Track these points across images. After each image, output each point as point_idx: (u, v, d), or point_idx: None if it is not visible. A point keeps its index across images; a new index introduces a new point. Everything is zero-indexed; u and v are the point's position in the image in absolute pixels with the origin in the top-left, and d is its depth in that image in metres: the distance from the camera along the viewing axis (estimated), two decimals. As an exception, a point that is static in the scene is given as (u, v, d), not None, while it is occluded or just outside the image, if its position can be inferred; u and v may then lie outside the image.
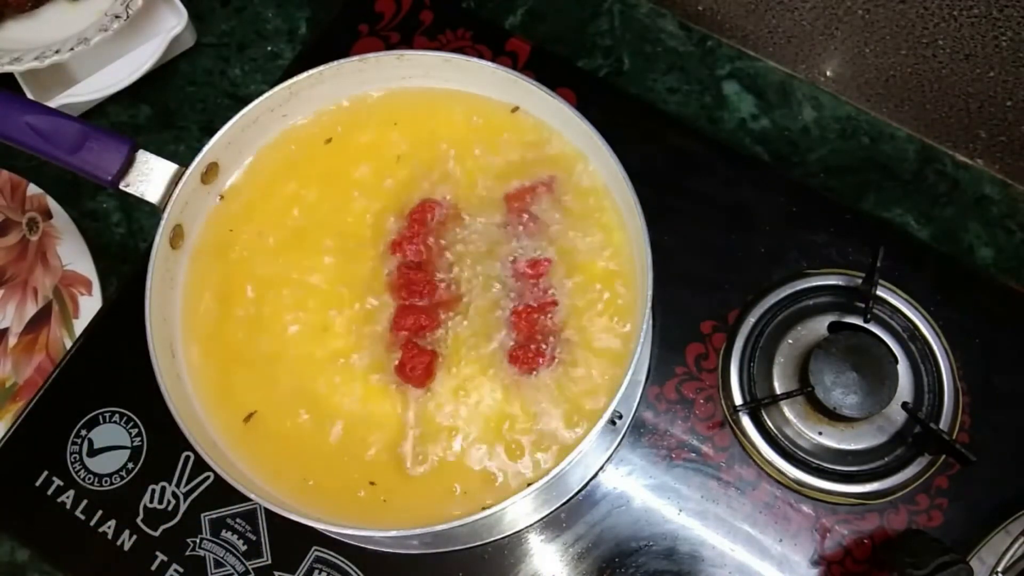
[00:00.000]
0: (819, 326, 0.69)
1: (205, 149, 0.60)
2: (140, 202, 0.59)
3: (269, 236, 0.62)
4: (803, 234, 0.73)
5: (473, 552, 0.66)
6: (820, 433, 0.67)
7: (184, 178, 0.59)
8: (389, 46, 0.79)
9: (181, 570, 0.66)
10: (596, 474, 0.68)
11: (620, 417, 0.68)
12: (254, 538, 0.67)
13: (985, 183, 0.77)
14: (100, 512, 0.68)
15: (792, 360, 0.69)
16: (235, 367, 0.59)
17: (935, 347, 0.69)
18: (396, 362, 0.58)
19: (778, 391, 0.68)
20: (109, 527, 0.67)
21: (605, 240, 0.60)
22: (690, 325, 0.71)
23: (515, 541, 0.67)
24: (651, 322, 0.70)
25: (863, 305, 0.68)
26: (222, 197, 0.63)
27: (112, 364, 0.71)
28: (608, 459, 0.68)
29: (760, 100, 0.80)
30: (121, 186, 0.59)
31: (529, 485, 0.52)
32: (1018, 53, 0.65)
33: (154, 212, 0.59)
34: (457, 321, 0.60)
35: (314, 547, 0.67)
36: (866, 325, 0.68)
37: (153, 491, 0.68)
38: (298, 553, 0.67)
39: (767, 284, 0.71)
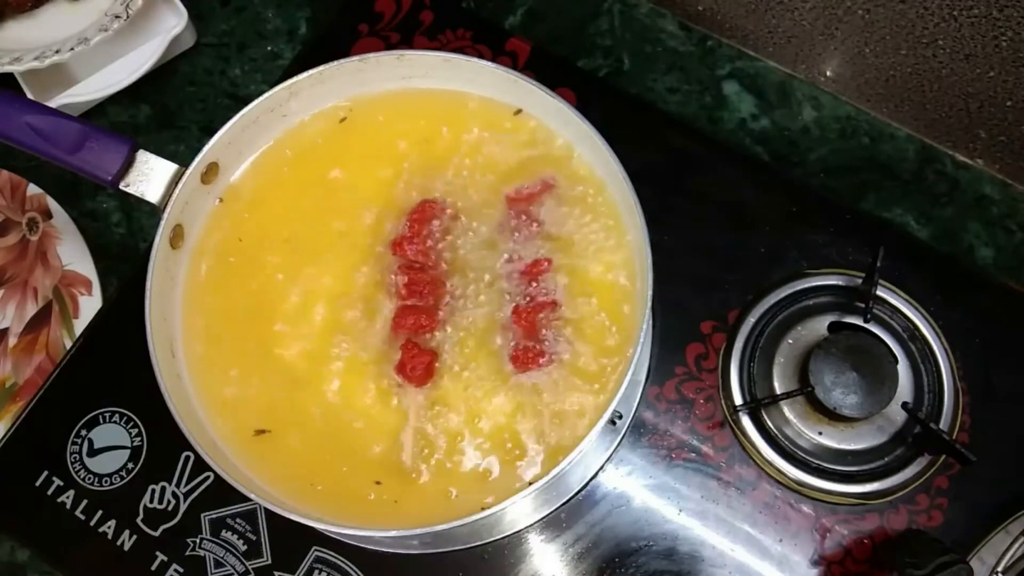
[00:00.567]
0: (819, 326, 0.69)
1: (205, 149, 0.60)
2: (140, 202, 0.59)
3: (269, 236, 0.62)
4: (803, 234, 0.73)
5: (473, 552, 0.66)
6: (820, 433, 0.67)
7: (184, 178, 0.59)
8: (389, 46, 0.79)
9: (181, 570, 0.66)
10: (596, 474, 0.68)
11: (620, 417, 0.68)
12: (254, 538, 0.67)
13: (985, 183, 0.77)
14: (100, 512, 0.68)
15: (792, 360, 0.69)
16: (235, 367, 0.59)
17: (935, 347, 0.69)
18: (396, 362, 0.58)
19: (778, 391, 0.68)
20: (109, 527, 0.67)
21: (605, 240, 0.60)
22: (690, 325, 0.71)
23: (515, 541, 0.67)
24: (651, 322, 0.70)
25: (863, 305, 0.68)
26: (222, 198, 0.63)
27: (112, 364, 0.71)
28: (608, 459, 0.68)
29: (760, 100, 0.80)
30: (121, 186, 0.59)
31: (529, 485, 0.52)
32: (1018, 53, 0.65)
33: (154, 212, 0.59)
34: (457, 321, 0.60)
35: (314, 547, 0.67)
36: (866, 325, 0.68)
37: (153, 491, 0.68)
38: (298, 553, 0.67)
39: (767, 284, 0.71)
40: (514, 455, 0.57)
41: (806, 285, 0.71)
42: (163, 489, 0.68)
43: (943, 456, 0.67)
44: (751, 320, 0.70)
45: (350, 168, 0.64)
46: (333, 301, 0.61)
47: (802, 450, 0.67)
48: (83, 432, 0.70)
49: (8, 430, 0.70)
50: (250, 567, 0.66)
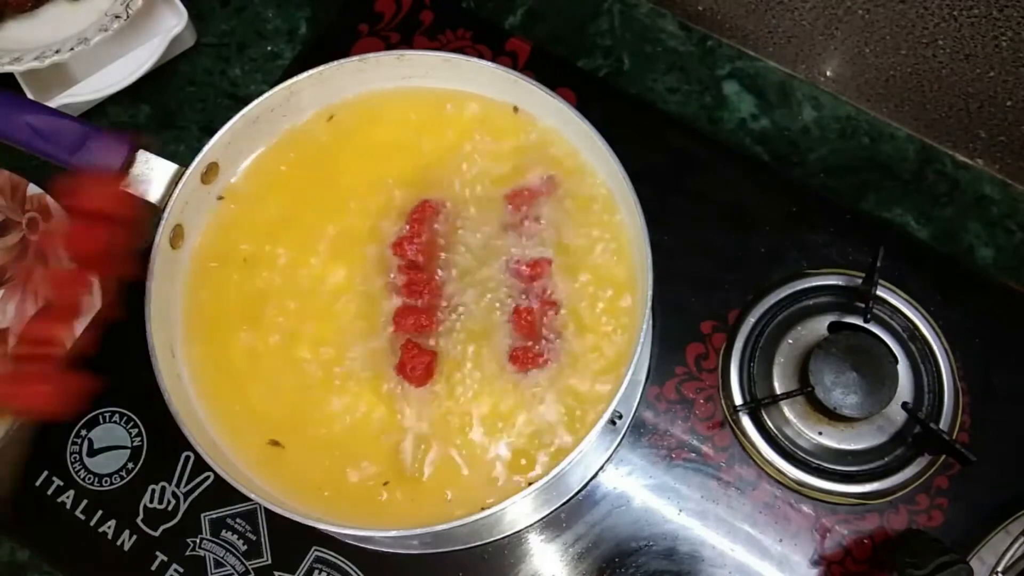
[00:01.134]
0: (819, 326, 0.69)
1: (205, 149, 0.60)
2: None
3: (268, 236, 0.62)
4: (803, 234, 0.73)
5: (473, 552, 0.66)
6: (820, 433, 0.67)
7: (184, 178, 0.59)
8: (389, 46, 0.79)
9: (181, 570, 0.67)
10: (596, 474, 0.68)
11: (620, 417, 0.68)
12: (254, 538, 0.67)
13: (985, 183, 0.77)
14: (100, 512, 0.68)
15: (792, 360, 0.69)
16: (235, 366, 0.59)
17: (935, 347, 0.69)
18: (396, 362, 0.58)
19: (778, 391, 0.68)
20: (109, 527, 0.67)
21: (605, 240, 0.60)
22: (690, 325, 0.71)
23: (515, 541, 0.67)
24: (651, 322, 0.70)
25: (863, 305, 0.68)
26: (222, 197, 0.63)
27: (112, 364, 0.71)
28: (608, 459, 0.68)
29: (760, 100, 0.80)
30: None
31: (529, 485, 0.52)
32: (1018, 53, 0.65)
33: (154, 212, 0.59)
34: (457, 321, 0.60)
35: (314, 547, 0.67)
36: (866, 325, 0.68)
37: (153, 491, 0.68)
38: (298, 553, 0.67)
39: (767, 284, 0.71)
40: (514, 455, 0.57)
41: (806, 285, 0.71)
42: (163, 489, 0.68)
43: (943, 456, 0.67)
44: (751, 320, 0.70)
45: (350, 168, 0.64)
46: (333, 301, 0.61)
47: (802, 450, 0.67)
48: (83, 432, 0.70)
49: (8, 430, 0.70)
50: (250, 567, 0.66)
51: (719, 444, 0.68)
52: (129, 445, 0.69)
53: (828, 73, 0.79)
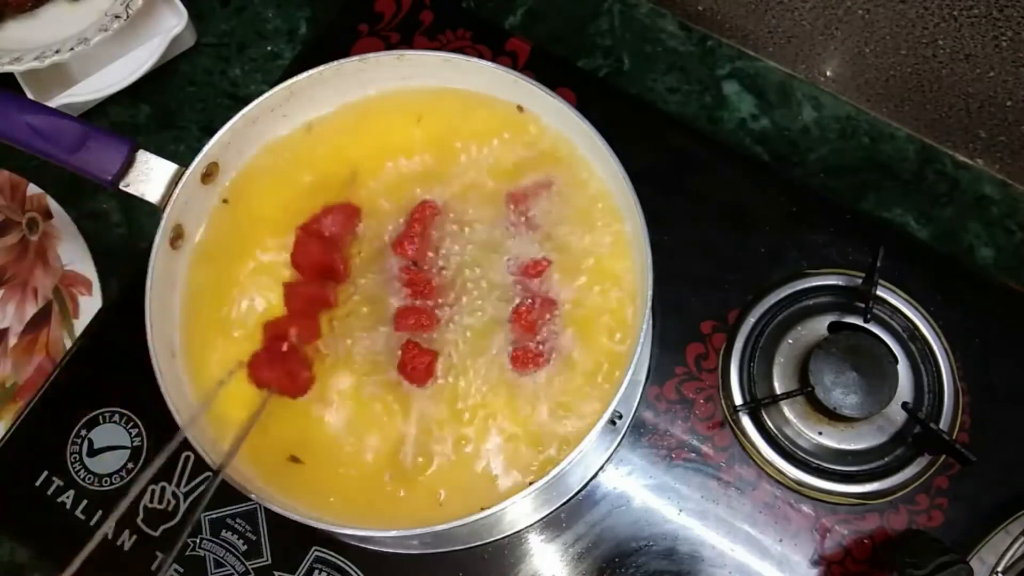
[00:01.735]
0: (819, 326, 0.69)
1: (205, 149, 0.60)
2: (140, 202, 0.59)
3: (269, 236, 0.62)
4: (803, 234, 0.73)
5: (473, 552, 0.66)
6: (820, 433, 0.67)
7: (184, 178, 0.59)
8: (389, 46, 0.79)
9: (181, 570, 0.66)
10: (596, 474, 0.68)
11: (620, 417, 0.68)
12: (254, 538, 0.67)
13: (985, 183, 0.77)
14: (100, 512, 0.68)
15: (792, 360, 0.69)
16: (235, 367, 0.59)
17: (935, 347, 0.69)
18: (397, 362, 0.58)
19: (778, 391, 0.68)
20: (109, 527, 0.67)
21: (605, 240, 0.60)
22: (690, 325, 0.71)
23: (515, 541, 0.67)
24: (651, 322, 0.70)
25: (863, 305, 0.68)
26: (222, 198, 0.63)
27: (112, 364, 0.71)
28: (608, 459, 0.68)
29: (760, 100, 0.80)
30: (121, 186, 0.59)
31: (529, 485, 0.52)
32: (1018, 53, 0.65)
33: (154, 212, 0.59)
34: (458, 321, 0.59)
35: (314, 547, 0.67)
36: (866, 325, 0.68)
37: (153, 491, 0.68)
38: (298, 553, 0.67)
39: (767, 284, 0.71)
40: (514, 455, 0.57)
41: (806, 285, 0.71)
42: (163, 489, 0.68)
43: (943, 456, 0.67)
44: (751, 320, 0.70)
45: (350, 168, 0.64)
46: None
47: (802, 450, 0.67)
48: (83, 432, 0.70)
49: (8, 430, 0.70)
50: (250, 567, 0.66)
51: (719, 444, 0.68)
52: (129, 445, 0.69)
53: (828, 73, 0.79)
